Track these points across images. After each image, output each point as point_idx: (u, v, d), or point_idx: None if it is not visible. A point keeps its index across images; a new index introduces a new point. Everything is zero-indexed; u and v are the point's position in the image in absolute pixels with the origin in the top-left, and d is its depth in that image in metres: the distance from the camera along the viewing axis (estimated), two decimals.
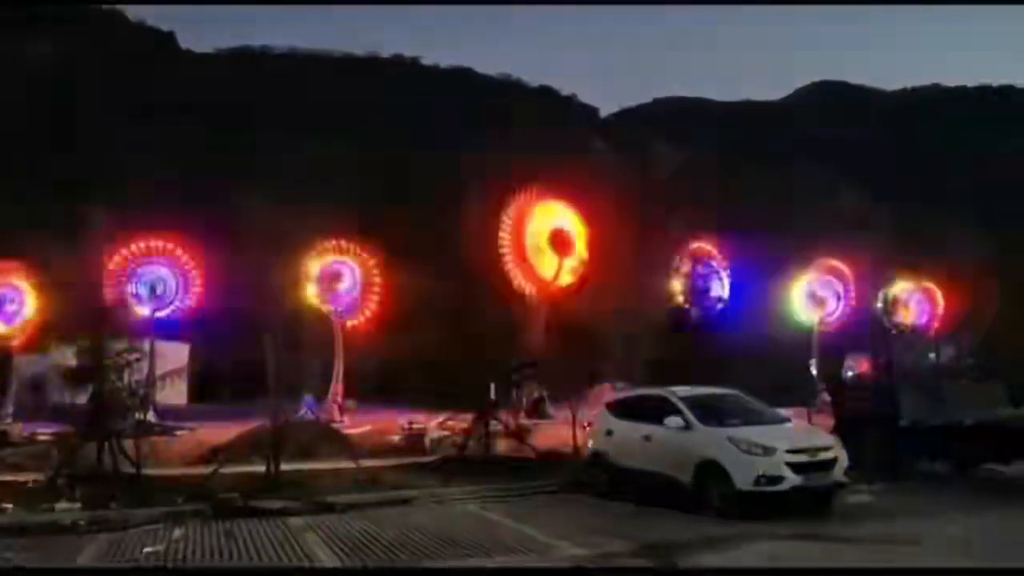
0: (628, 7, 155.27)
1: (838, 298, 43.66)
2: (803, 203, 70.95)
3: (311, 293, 36.29)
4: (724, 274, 38.82)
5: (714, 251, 38.99)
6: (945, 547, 11.49)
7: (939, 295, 46.87)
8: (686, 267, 36.71)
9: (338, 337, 36.85)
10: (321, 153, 67.15)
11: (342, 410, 34.77)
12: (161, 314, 36.22)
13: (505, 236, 35.46)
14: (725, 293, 38.48)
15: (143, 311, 34.55)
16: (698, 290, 35.63)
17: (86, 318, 19.62)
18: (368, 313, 37.68)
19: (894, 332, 41.88)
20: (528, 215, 36.11)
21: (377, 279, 37.51)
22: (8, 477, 17.91)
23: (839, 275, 44.09)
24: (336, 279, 36.90)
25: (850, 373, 22.12)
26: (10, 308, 37.37)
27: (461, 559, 11.17)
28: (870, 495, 15.70)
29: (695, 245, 38.67)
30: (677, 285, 36.17)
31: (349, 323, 37.24)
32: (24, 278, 37.63)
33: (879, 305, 43.82)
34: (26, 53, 71.47)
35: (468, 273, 30.39)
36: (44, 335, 34.46)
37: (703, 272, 37.15)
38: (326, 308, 36.42)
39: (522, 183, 36.34)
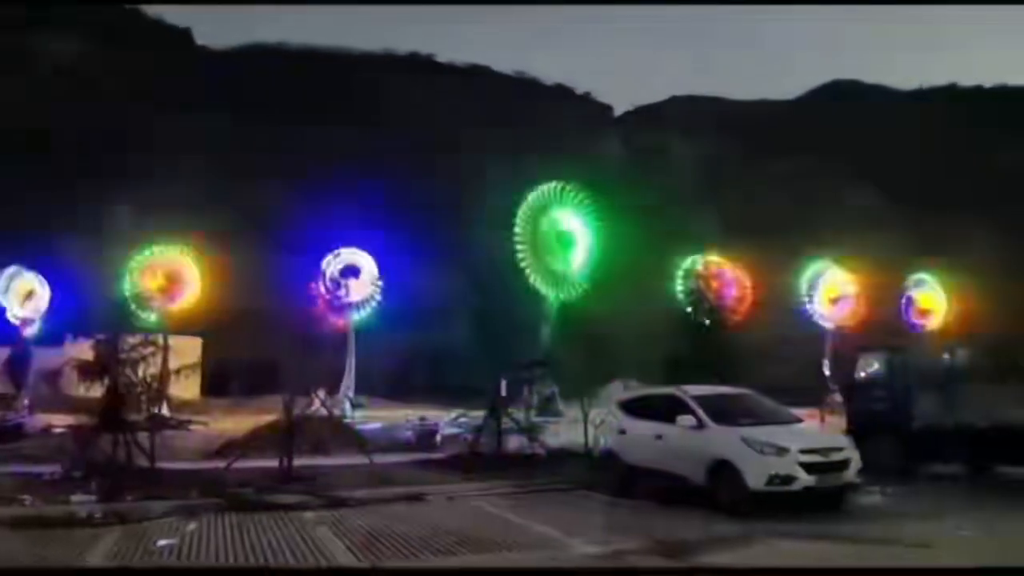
0: (643, 5, 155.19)
1: (853, 298, 43.54)
2: (818, 202, 70.88)
3: (324, 289, 36.44)
4: (738, 273, 38.77)
5: (729, 250, 38.95)
6: (956, 549, 11.47)
7: (953, 296, 46.66)
8: (700, 266, 36.67)
9: (350, 333, 37.01)
10: (336, 151, 67.45)
11: (354, 406, 34.93)
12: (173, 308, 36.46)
13: (520, 235, 35.51)
14: (739, 292, 38.44)
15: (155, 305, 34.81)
16: (712, 289, 35.57)
17: (102, 312, 19.81)
18: (381, 310, 37.83)
19: (909, 332, 41.78)
20: (543, 214, 36.13)
21: (393, 277, 37.70)
22: (24, 469, 18.03)
23: (854, 275, 43.99)
24: (351, 275, 37.06)
25: (864, 374, 22.06)
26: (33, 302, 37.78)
27: (473, 556, 11.19)
28: (882, 496, 15.67)
29: (709, 244, 38.66)
30: (691, 284, 36.11)
31: (362, 319, 37.43)
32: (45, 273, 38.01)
33: (894, 305, 43.73)
34: (44, 51, 71.84)
35: (482, 272, 30.47)
36: (61, 328, 34.83)
37: (717, 271, 37.12)
38: (339, 304, 36.58)
39: (537, 182, 36.42)
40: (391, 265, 38.38)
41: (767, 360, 36.33)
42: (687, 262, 36.65)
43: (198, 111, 66.53)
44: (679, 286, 35.83)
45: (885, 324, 41.88)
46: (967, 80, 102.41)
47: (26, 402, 34.90)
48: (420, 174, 65.09)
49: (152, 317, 33.56)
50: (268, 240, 48.66)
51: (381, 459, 20.01)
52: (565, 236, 36.09)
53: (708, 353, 25.67)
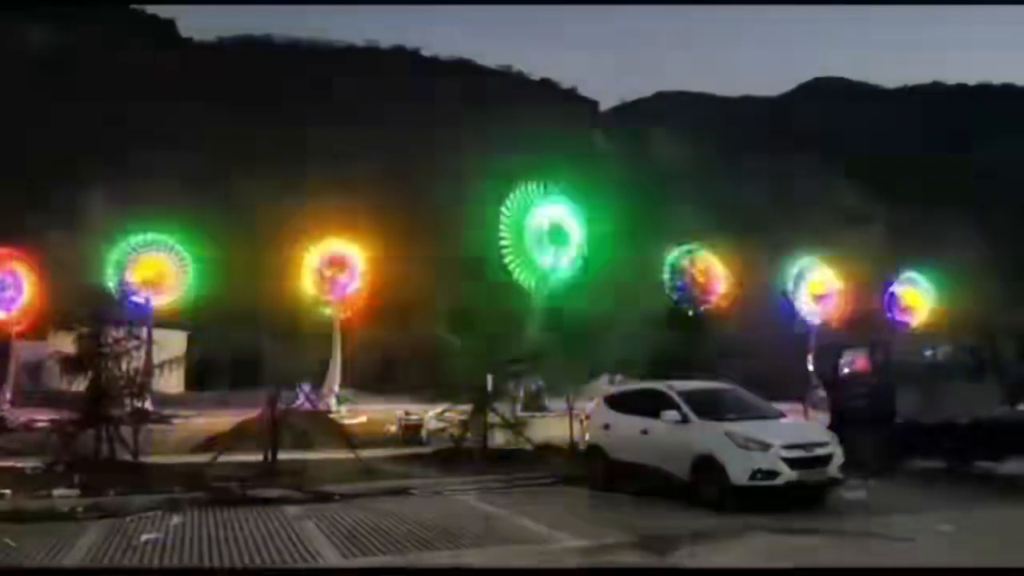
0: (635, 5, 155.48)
1: (836, 294, 43.75)
2: (802, 200, 71.11)
3: (311, 283, 36.38)
4: (721, 269, 38.86)
5: (709, 246, 39.03)
6: (939, 543, 11.54)
7: (936, 293, 46.94)
8: (684, 262, 36.75)
9: (336, 328, 36.91)
10: (321, 145, 67.23)
11: (340, 400, 34.89)
12: (157, 303, 36.27)
13: (506, 232, 35.50)
14: (723, 288, 38.53)
15: (140, 299, 34.61)
16: (697, 285, 35.68)
17: (85, 305, 19.72)
18: (366, 304, 37.76)
19: (892, 329, 41.99)
20: (529, 211, 36.13)
21: (376, 271, 37.59)
22: (6, 463, 17.93)
23: (836, 272, 44.19)
24: (338, 269, 36.96)
25: (847, 370, 22.18)
26: (8, 294, 37.40)
27: (459, 550, 11.18)
28: (865, 491, 15.73)
29: (691, 239, 38.74)
30: (676, 280, 36.20)
31: (347, 313, 37.34)
32: (23, 264, 37.69)
33: (877, 302, 43.94)
34: (27, 40, 71.30)
35: (467, 267, 30.48)
36: (43, 322, 34.61)
37: (702, 267, 37.20)
38: (325, 298, 36.53)
39: (522, 177, 36.42)
40: (378, 261, 38.32)
41: (751, 355, 36.44)
42: (673, 257, 36.73)
43: (184, 104, 66.13)
44: (665, 281, 35.93)
45: (869, 321, 42.09)
46: (951, 78, 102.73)
47: (7, 396, 34.68)
48: (407, 170, 64.95)
49: (136, 311, 33.35)
50: (255, 235, 48.43)
51: (367, 453, 20.00)
52: (551, 233, 36.12)
53: (693, 349, 25.75)
